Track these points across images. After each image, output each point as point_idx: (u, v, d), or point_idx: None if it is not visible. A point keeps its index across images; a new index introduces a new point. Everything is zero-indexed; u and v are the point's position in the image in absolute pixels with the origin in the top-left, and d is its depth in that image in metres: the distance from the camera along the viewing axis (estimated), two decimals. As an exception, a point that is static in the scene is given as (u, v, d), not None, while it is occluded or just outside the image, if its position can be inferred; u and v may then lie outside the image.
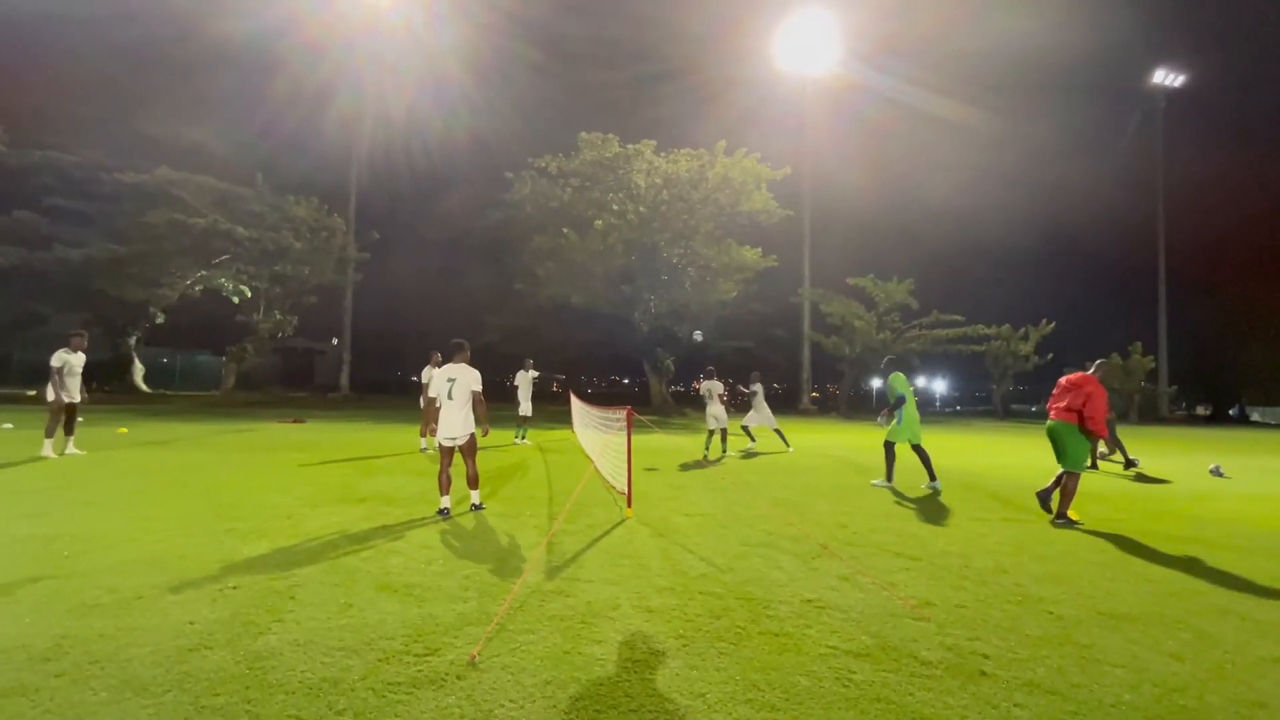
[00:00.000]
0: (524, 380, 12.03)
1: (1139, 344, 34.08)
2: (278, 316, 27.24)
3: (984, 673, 2.65)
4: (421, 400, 10.25)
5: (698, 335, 13.17)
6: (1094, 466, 10.21)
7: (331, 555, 4.11)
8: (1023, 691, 2.50)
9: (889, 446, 7.90)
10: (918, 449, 7.83)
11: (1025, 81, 54.68)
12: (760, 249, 27.29)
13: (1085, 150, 65.38)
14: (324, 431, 13.86)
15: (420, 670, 2.53)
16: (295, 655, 2.62)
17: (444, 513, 5.38)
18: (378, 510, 5.56)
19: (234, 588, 3.42)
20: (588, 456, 9.78)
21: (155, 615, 3.01)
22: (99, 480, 6.72)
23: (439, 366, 10.06)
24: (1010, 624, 3.22)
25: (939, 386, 59.21)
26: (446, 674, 2.50)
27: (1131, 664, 2.78)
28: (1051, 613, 3.41)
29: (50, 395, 8.29)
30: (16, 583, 3.40)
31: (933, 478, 7.70)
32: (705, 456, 10.13)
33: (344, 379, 32.32)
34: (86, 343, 8.77)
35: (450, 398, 5.46)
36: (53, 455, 8.12)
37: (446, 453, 5.52)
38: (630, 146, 25.36)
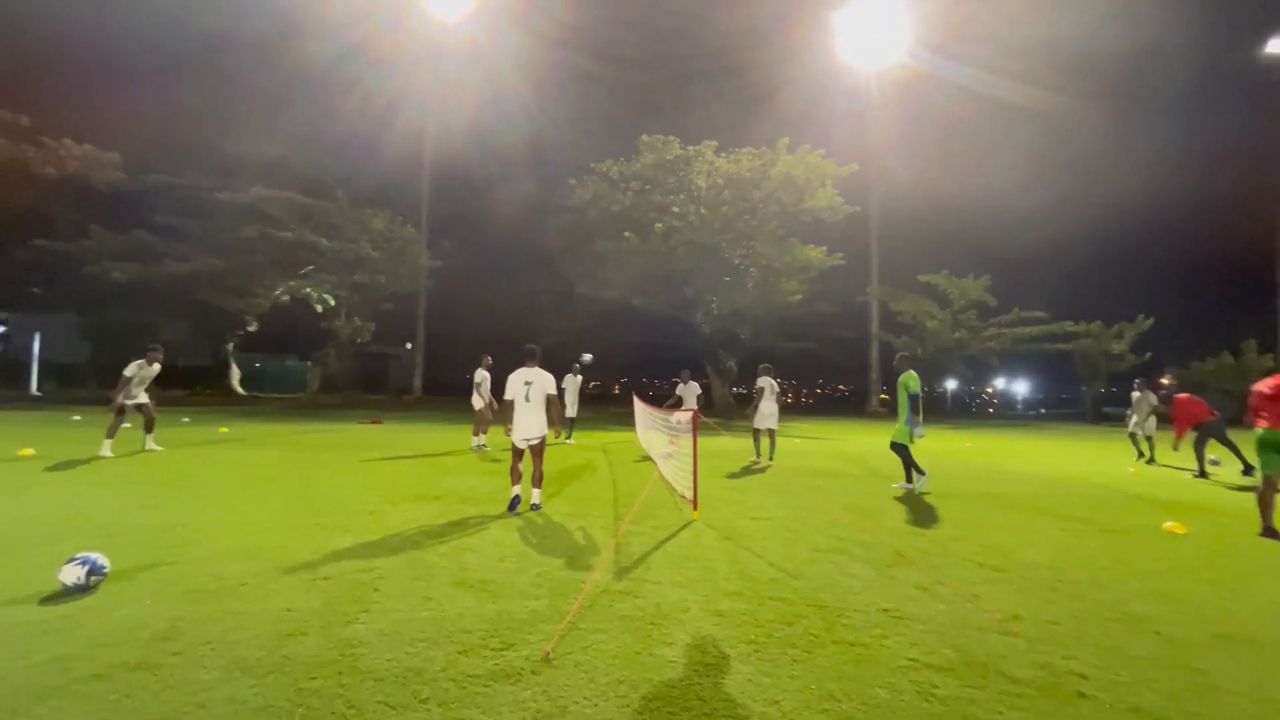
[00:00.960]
0: (571, 384, 12.37)
1: (1253, 341, 30.96)
2: (357, 323, 28.75)
3: (1082, 694, 2.48)
4: (474, 400, 10.59)
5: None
6: (1203, 475, 9.37)
7: (410, 550, 4.30)
8: (1128, 716, 2.33)
9: (903, 449, 7.59)
10: (902, 449, 7.57)
11: (1114, 62, 50.84)
12: (825, 247, 26.60)
13: (1184, 133, 60.13)
14: (400, 432, 14.52)
15: (497, 664, 2.61)
16: (382, 644, 2.76)
17: (515, 500, 5.71)
18: (452, 508, 5.77)
19: (325, 578, 3.63)
20: (650, 459, 9.81)
21: (256, 601, 3.24)
22: (203, 475, 7.30)
23: (489, 369, 10.34)
24: (1111, 643, 3.00)
25: (1020, 389, 55.82)
26: (522, 669, 2.57)
27: (1255, 693, 2.54)
28: (1159, 633, 3.15)
29: (116, 400, 8.96)
30: (137, 568, 3.74)
31: (910, 479, 7.55)
32: (755, 461, 9.86)
33: (417, 381, 33.78)
34: (162, 356, 9.53)
35: (528, 400, 5.73)
36: (110, 455, 8.58)
37: (519, 452, 5.80)
38: (691, 148, 25.30)
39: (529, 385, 5.75)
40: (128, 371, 9.08)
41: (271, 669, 2.50)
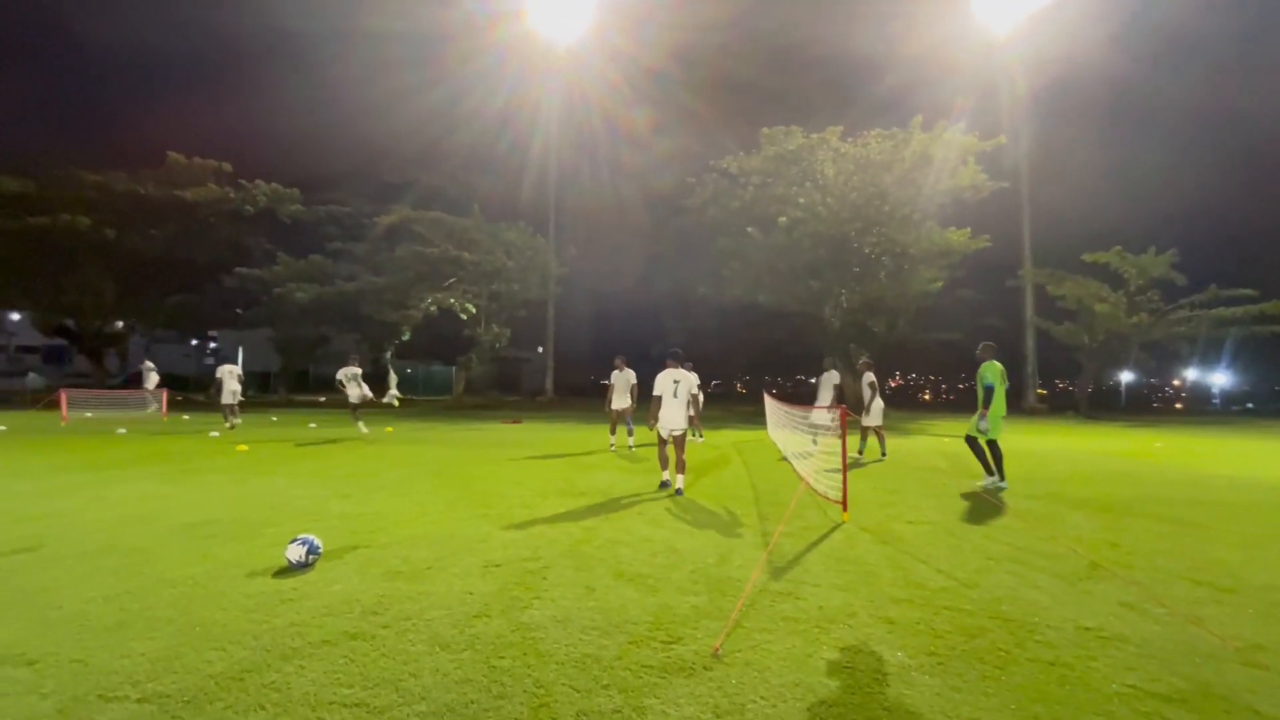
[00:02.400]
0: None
1: None
2: (495, 329, 30.86)
3: (1373, 745, 2.04)
4: (608, 403, 10.38)
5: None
6: None
7: (566, 542, 4.51)
8: None
9: (992, 445, 6.86)
10: (991, 444, 6.87)
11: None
12: (968, 229, 24.36)
13: None
14: (538, 431, 15.36)
15: (668, 656, 2.65)
16: (557, 630, 2.91)
17: (665, 483, 6.67)
18: (597, 504, 5.99)
19: (496, 565, 3.91)
20: (786, 459, 9.55)
21: (442, 584, 3.56)
22: (381, 469, 8.18)
23: (623, 370, 10.53)
24: (1403, 686, 2.45)
25: (1217, 380, 47.56)
26: (693, 663, 2.59)
27: None
28: None
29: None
30: (342, 549, 4.26)
31: (990, 473, 6.91)
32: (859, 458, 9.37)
33: (549, 383, 35.59)
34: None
35: (675, 396, 6.50)
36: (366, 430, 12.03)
37: (664, 442, 6.70)
38: (814, 136, 24.30)
39: (677, 384, 6.49)
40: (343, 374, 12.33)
41: (465, 646, 2.73)
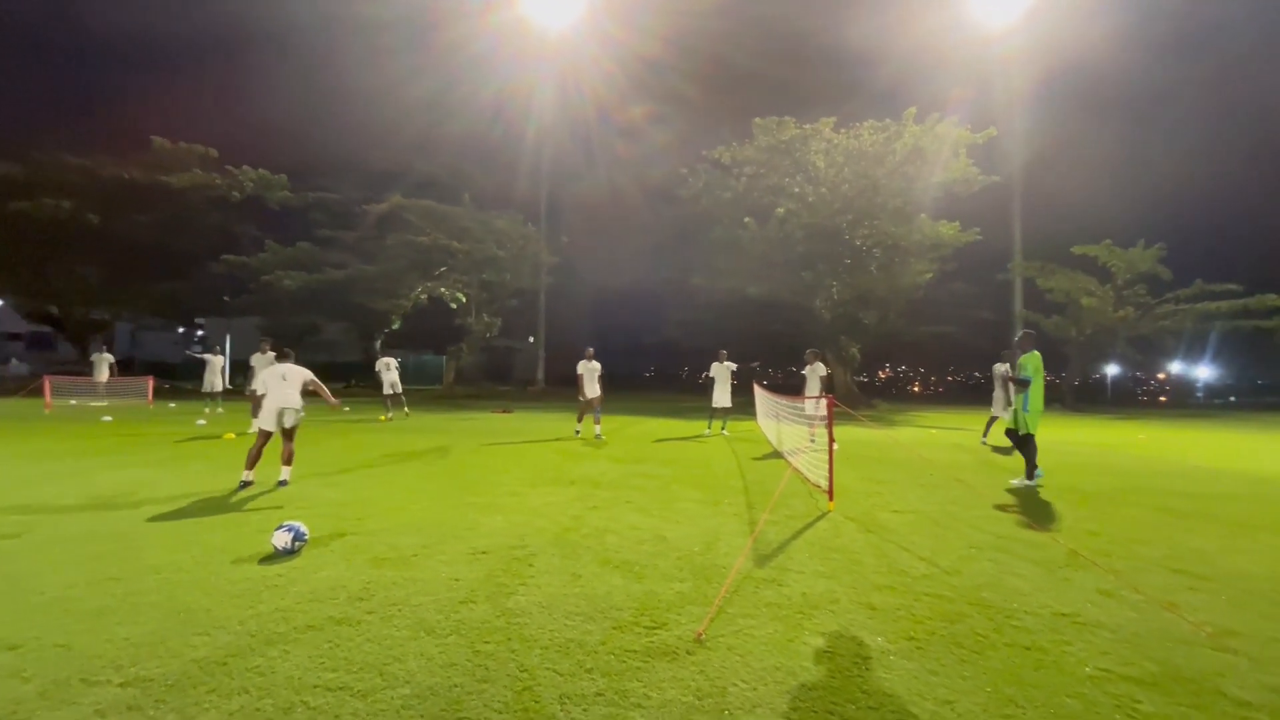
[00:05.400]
0: (721, 372, 12.28)
1: None
2: (486, 319, 30.71)
3: (1335, 725, 2.10)
4: (579, 392, 11.27)
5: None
6: None
7: (554, 530, 4.53)
8: (1404, 757, 1.94)
9: (1028, 439, 6.68)
10: (1028, 438, 6.69)
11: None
12: (958, 222, 24.45)
13: None
14: (528, 420, 15.36)
15: (652, 641, 2.68)
16: (542, 616, 2.93)
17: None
18: (586, 492, 6.01)
19: (483, 552, 3.92)
20: (775, 448, 9.61)
21: (428, 570, 3.57)
22: (369, 458, 8.15)
23: (591, 361, 11.14)
24: (1367, 669, 2.51)
25: (1201, 374, 48.11)
26: (677, 648, 2.62)
27: None
28: None
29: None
30: (329, 536, 4.25)
31: (1033, 469, 6.70)
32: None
33: (540, 373, 35.52)
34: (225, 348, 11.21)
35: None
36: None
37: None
38: (808, 126, 24.22)
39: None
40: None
41: (450, 631, 2.74)
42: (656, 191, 33.13)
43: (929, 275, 25.38)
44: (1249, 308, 25.68)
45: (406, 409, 15.56)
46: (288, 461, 6.15)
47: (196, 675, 2.32)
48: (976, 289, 30.59)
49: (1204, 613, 3.11)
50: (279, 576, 3.42)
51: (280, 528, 3.83)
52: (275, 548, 3.77)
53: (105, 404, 16.82)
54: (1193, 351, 32.86)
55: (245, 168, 29.38)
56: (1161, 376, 50.97)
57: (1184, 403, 39.57)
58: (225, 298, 33.56)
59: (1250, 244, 48.83)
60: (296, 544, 3.82)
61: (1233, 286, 25.89)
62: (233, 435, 10.28)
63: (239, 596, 3.12)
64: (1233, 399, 43.83)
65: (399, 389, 15.23)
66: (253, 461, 5.94)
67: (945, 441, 11.82)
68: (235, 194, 29.10)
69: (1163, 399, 44.87)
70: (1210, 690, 2.34)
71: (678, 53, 43.45)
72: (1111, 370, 38.66)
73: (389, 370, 15.07)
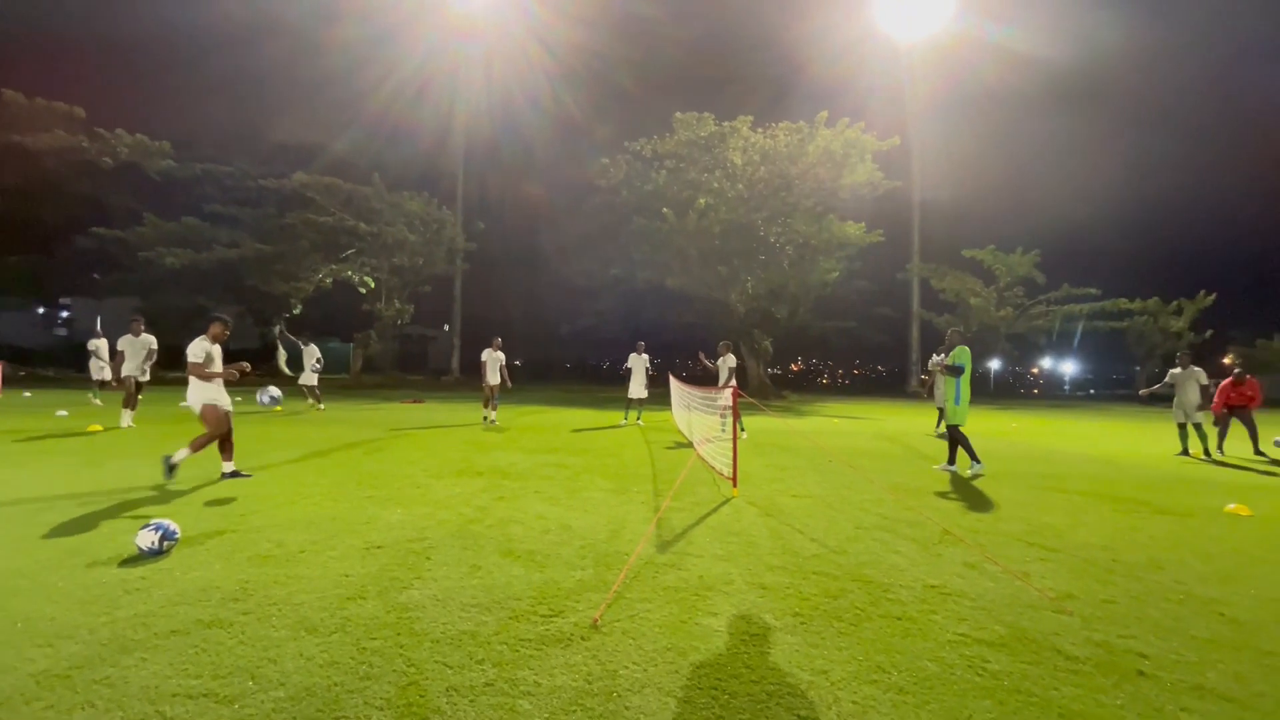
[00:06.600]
0: (638, 363, 12.41)
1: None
2: (397, 305, 29.39)
3: (1142, 673, 2.42)
4: (483, 379, 11.74)
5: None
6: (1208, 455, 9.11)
7: (457, 522, 4.42)
8: (1191, 695, 2.26)
9: (955, 430, 7.27)
10: (944, 430, 7.29)
11: (1177, 29, 47.70)
12: (863, 224, 25.92)
13: (1251, 92, 56.09)
14: (440, 411, 14.87)
15: (547, 629, 2.67)
16: (436, 609, 2.86)
17: None
18: (494, 483, 5.90)
19: (378, 547, 3.77)
20: (687, 438, 9.83)
21: (316, 567, 3.38)
22: (260, 450, 7.61)
23: (495, 350, 11.44)
24: (1172, 624, 2.91)
25: (1068, 369, 53.73)
26: (572, 635, 2.63)
27: (1330, 676, 2.43)
28: (1223, 614, 3.04)
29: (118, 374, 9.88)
30: (205, 535, 3.94)
31: (975, 460, 7.23)
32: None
33: (455, 363, 34.47)
34: (142, 326, 9.99)
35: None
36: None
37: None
38: (726, 124, 24.80)
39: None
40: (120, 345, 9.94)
41: (335, 629, 2.62)
42: (578, 181, 32.83)
43: (836, 273, 26.74)
44: (1105, 309, 28.93)
45: (314, 402, 14.46)
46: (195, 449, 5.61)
47: (31, 690, 2.09)
48: (878, 287, 32.58)
49: (1049, 580, 3.48)
50: (141, 580, 3.13)
51: (146, 527, 3.51)
52: (139, 549, 3.45)
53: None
54: (1061, 348, 36.57)
55: (120, 131, 26.49)
56: (1035, 371, 56.42)
57: (1053, 395, 44.00)
58: (96, 276, 30.18)
59: (1114, 251, 54.81)
60: (165, 544, 3.51)
61: (1092, 290, 29.06)
62: (99, 427, 9.29)
63: (91, 603, 2.83)
64: (1092, 391, 49.29)
65: (312, 381, 14.38)
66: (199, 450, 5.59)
67: (846, 430, 12.53)
68: (107, 160, 26.19)
69: (1036, 391, 49.76)
70: (1048, 648, 2.62)
71: (607, 39, 43.16)
72: (994, 365, 42.34)
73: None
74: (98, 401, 13.41)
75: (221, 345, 5.99)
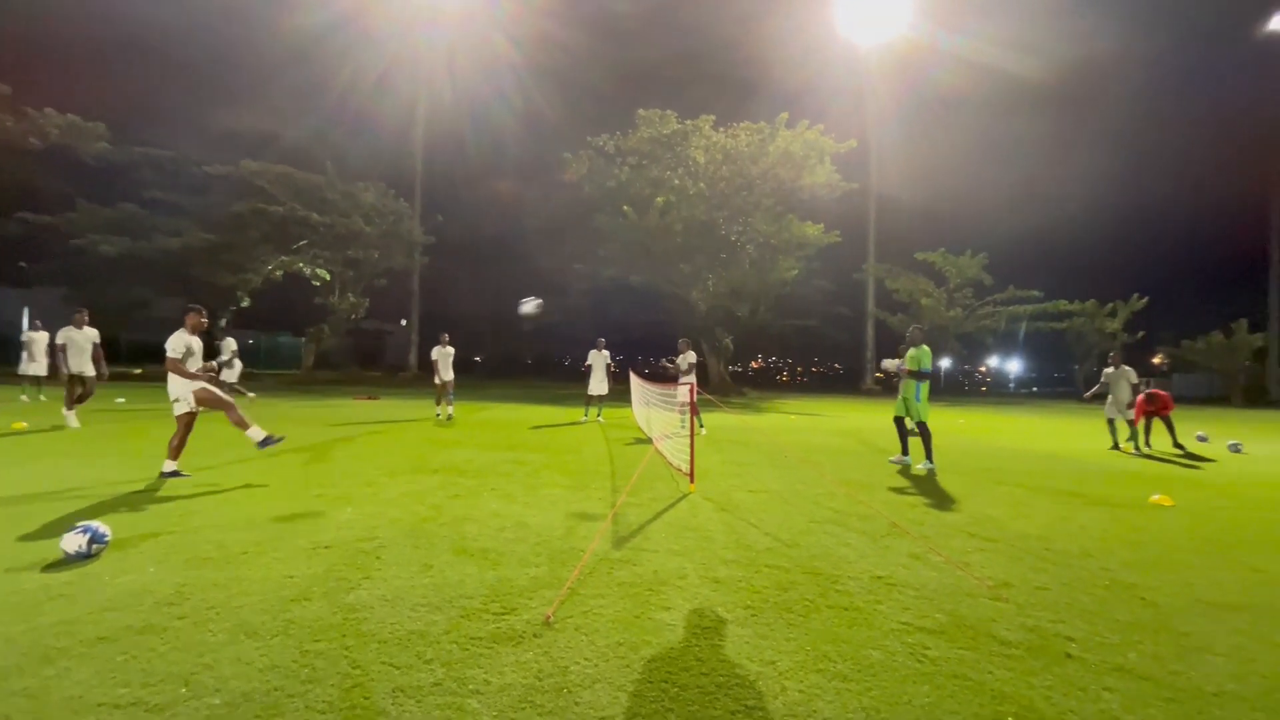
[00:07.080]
0: (598, 360, 12.35)
1: (1244, 321, 31.15)
2: (351, 299, 28.58)
3: (1069, 655, 2.55)
4: (435, 376, 11.60)
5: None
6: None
7: (410, 520, 4.33)
8: (1113, 676, 2.39)
9: (922, 426, 7.53)
10: (914, 426, 7.61)
11: (1119, 38, 50.21)
12: (822, 225, 26.47)
13: (1181, 110, 59.55)
14: (394, 407, 14.54)
15: (499, 627, 2.65)
16: (384, 609, 2.80)
17: None
18: (449, 480, 5.81)
19: (326, 547, 3.66)
20: (646, 434, 9.87)
21: (259, 569, 3.27)
22: (206, 449, 7.30)
23: (445, 346, 11.48)
24: (1098, 609, 3.07)
25: (1013, 367, 56.12)
26: (524, 632, 2.61)
27: (1236, 654, 2.61)
28: (1144, 599, 3.23)
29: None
30: (140, 536, 3.76)
31: (902, 452, 7.62)
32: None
33: (412, 358, 33.70)
34: (87, 318, 9.44)
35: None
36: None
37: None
38: (689, 122, 24.94)
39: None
40: (58, 338, 9.39)
41: (276, 632, 2.54)
42: (542, 176, 32.52)
43: (795, 272, 27.24)
44: (1046, 310, 30.32)
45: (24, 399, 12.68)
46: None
47: (-61, 705, 1.96)
48: (835, 287, 33.34)
49: (988, 569, 3.63)
50: (67, 585, 2.97)
51: (73, 529, 3.33)
52: (66, 553, 3.27)
53: None
54: (1006, 347, 38.14)
55: (49, 111, 24.94)
56: (983, 370, 58.73)
57: (999, 392, 45.84)
58: (22, 264, 28.39)
59: (1056, 255, 57.34)
60: (94, 547, 3.33)
61: (1035, 292, 30.38)
62: (24, 424, 8.75)
63: (9, 610, 2.67)
64: (1035, 389, 51.56)
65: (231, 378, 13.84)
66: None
67: (803, 426, 12.79)
68: (34, 141, 24.64)
69: (983, 389, 51.75)
70: (984, 634, 2.74)
71: (574, 33, 42.78)
72: (944, 364, 43.86)
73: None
74: (24, 398, 12.62)
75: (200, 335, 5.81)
